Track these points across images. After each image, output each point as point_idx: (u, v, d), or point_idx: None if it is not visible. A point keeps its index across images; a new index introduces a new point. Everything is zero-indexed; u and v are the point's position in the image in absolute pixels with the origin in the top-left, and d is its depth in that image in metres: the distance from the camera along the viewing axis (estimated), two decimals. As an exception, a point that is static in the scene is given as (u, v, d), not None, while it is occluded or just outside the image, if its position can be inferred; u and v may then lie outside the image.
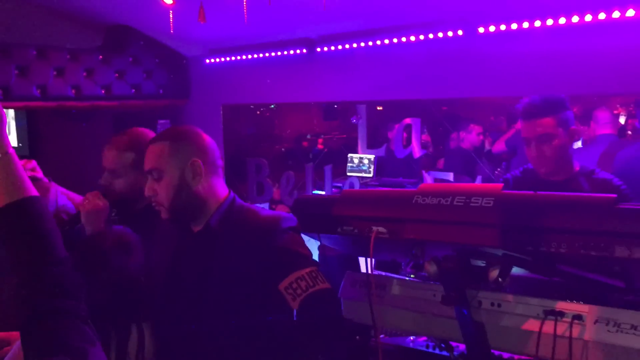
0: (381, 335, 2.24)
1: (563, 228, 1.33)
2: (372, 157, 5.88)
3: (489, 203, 1.44)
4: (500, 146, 5.13)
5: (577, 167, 2.52)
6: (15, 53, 4.05)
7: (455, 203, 1.50)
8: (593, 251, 1.28)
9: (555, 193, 1.41)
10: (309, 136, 8.16)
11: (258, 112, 7.99)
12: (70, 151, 5.59)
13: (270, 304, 1.82)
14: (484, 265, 1.53)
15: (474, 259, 1.53)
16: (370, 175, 6.04)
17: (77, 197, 2.79)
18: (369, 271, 1.70)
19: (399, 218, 1.61)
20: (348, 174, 6.23)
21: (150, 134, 2.56)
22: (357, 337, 2.39)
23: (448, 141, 5.55)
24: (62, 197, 2.75)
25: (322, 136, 8.57)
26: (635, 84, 2.91)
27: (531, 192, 1.42)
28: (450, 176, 3.44)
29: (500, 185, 1.48)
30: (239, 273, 1.81)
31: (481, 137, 5.48)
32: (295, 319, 1.82)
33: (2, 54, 3.98)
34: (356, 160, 6.24)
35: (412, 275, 1.88)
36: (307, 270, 1.77)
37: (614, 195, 1.29)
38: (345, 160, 6.13)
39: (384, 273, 2.61)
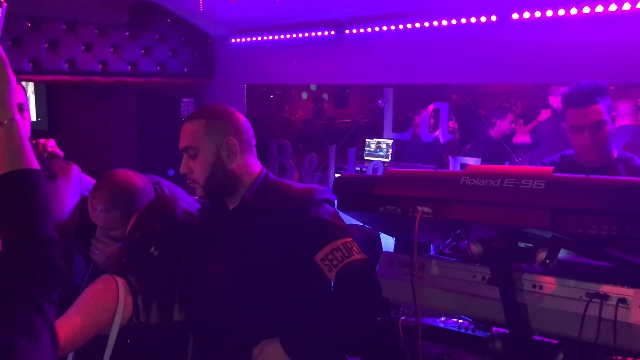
0: (402, 317, 2.28)
1: (615, 211, 1.35)
2: (390, 141, 5.87)
3: (540, 185, 1.46)
4: (523, 138, 5.09)
5: (615, 154, 2.54)
6: (45, 27, 4.07)
7: (505, 185, 1.51)
8: (646, 235, 1.29)
9: (607, 177, 1.42)
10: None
11: (271, 96, 7.97)
12: (91, 128, 5.62)
13: (307, 275, 1.85)
14: (530, 246, 1.55)
15: (521, 240, 1.55)
16: (388, 160, 6.04)
17: None
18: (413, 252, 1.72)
19: (446, 199, 1.62)
20: (365, 158, 6.24)
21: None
22: (378, 317, 2.43)
23: (476, 127, 5.47)
24: (87, 178, 2.72)
25: (335, 120, 8.59)
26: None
27: (582, 175, 1.43)
28: (478, 162, 3.44)
29: (551, 168, 1.49)
30: (276, 246, 1.84)
31: (513, 125, 5.38)
32: (332, 289, 1.85)
33: (33, 28, 4.00)
34: (373, 145, 6.24)
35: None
36: (343, 241, 1.79)
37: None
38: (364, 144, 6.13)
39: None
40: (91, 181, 2.67)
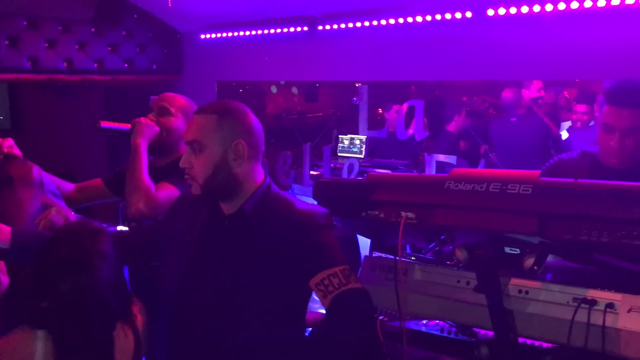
0: (380, 317, 2.24)
1: (605, 217, 1.32)
2: (363, 137, 5.85)
3: (527, 190, 1.43)
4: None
5: None
6: (4, 23, 3.91)
7: (491, 189, 1.48)
8: (637, 241, 1.27)
9: (595, 181, 1.39)
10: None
11: (241, 90, 7.86)
12: (57, 127, 5.45)
13: (298, 298, 1.79)
14: (517, 252, 1.52)
15: (507, 246, 1.52)
16: (362, 156, 6.02)
17: (65, 184, 2.61)
18: (396, 257, 1.68)
19: (429, 204, 1.58)
20: (339, 154, 6.20)
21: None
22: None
23: (443, 124, 5.53)
24: (49, 177, 2.59)
25: (305, 115, 8.54)
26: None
27: (571, 180, 1.40)
28: (453, 160, 3.43)
29: (538, 172, 1.46)
30: (270, 264, 1.76)
31: (469, 119, 5.45)
32: (325, 316, 1.78)
33: (-9, 24, 3.85)
34: (346, 142, 6.21)
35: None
36: (341, 268, 1.72)
37: (660, 186, 1.27)
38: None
39: (384, 255, 2.59)
40: (58, 182, 2.56)
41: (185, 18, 4.72)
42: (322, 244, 1.74)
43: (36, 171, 2.51)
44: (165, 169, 2.46)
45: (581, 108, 4.86)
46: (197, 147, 1.79)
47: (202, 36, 4.77)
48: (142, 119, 2.42)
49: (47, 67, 4.14)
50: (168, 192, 2.31)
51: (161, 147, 2.49)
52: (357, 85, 3.96)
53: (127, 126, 2.45)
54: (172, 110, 2.51)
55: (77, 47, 4.29)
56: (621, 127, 2.21)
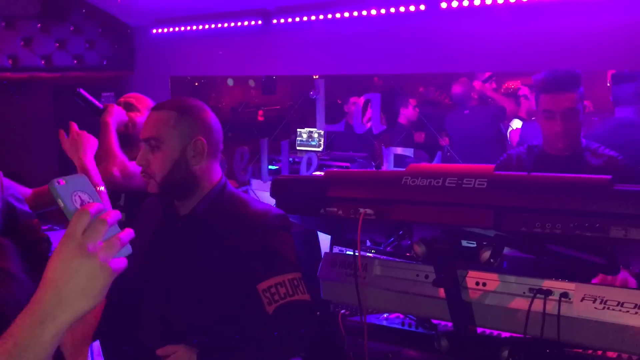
0: (342, 311, 2.24)
1: (558, 209, 1.34)
2: (321, 131, 5.84)
3: (482, 184, 1.44)
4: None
5: (583, 143, 2.50)
6: (-57, 19, 3.74)
7: (447, 184, 1.49)
8: (588, 232, 1.30)
9: (548, 174, 1.42)
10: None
11: (196, 84, 7.73)
12: (3, 126, 5.25)
13: (246, 300, 1.76)
14: (474, 245, 1.53)
15: (464, 239, 1.53)
16: (320, 149, 6.02)
17: (22, 189, 2.50)
18: (355, 252, 1.68)
19: (387, 199, 1.58)
20: (297, 148, 6.18)
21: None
22: (317, 312, 2.39)
23: (396, 117, 5.58)
24: (9, 181, 2.51)
25: (263, 108, 8.47)
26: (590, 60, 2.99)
27: (524, 173, 1.42)
28: (410, 152, 3.45)
29: (492, 166, 1.48)
30: (221, 265, 1.74)
31: (417, 110, 5.53)
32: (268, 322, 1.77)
33: None
34: (305, 135, 6.20)
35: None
36: (290, 276, 1.71)
37: (609, 177, 1.31)
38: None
39: (344, 250, 2.60)
40: (16, 186, 2.48)
41: (136, 12, 4.61)
42: (274, 248, 1.73)
43: None
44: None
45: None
46: (154, 144, 1.76)
47: (154, 31, 4.66)
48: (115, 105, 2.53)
49: (-9, 65, 3.99)
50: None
51: (126, 137, 2.55)
52: (314, 77, 3.94)
53: (100, 105, 2.57)
54: (140, 107, 2.62)
55: (22, 43, 4.13)
56: (560, 109, 2.37)
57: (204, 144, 1.76)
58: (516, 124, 5.15)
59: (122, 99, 2.70)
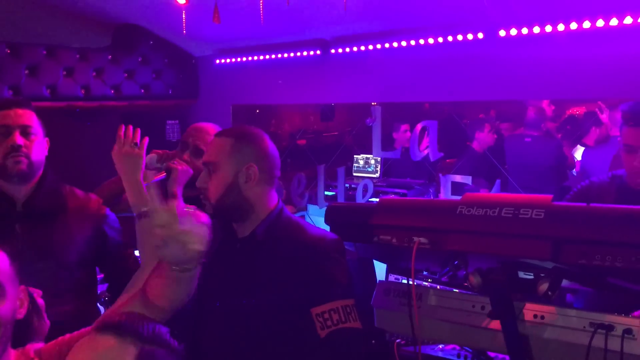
0: (397, 340, 2.22)
1: (619, 241, 1.31)
2: (378, 158, 5.84)
3: (540, 215, 1.42)
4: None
5: None
6: (25, 53, 4.00)
7: (503, 214, 1.47)
8: (652, 266, 1.25)
9: (607, 205, 1.38)
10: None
11: (257, 111, 7.92)
12: (75, 152, 5.53)
13: (299, 322, 1.78)
14: (531, 277, 1.50)
15: (522, 270, 1.50)
16: (377, 175, 6.01)
17: None
18: (410, 281, 1.67)
19: (442, 229, 1.58)
20: (354, 174, 6.20)
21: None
22: (373, 341, 2.37)
23: (460, 144, 5.47)
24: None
25: (323, 134, 8.55)
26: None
27: (583, 204, 1.39)
28: (469, 180, 3.41)
29: (550, 196, 1.46)
30: (277, 288, 1.77)
31: (494, 135, 5.36)
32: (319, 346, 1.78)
33: (12, 54, 3.93)
34: (362, 161, 6.21)
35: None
36: (344, 303, 1.73)
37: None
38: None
39: (400, 278, 2.57)
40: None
41: (199, 43, 4.78)
42: (329, 274, 1.75)
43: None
44: (197, 198, 2.46)
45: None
46: (212, 168, 1.85)
47: (217, 61, 4.83)
48: (177, 164, 2.30)
49: (65, 95, 4.21)
50: None
51: (192, 182, 2.39)
52: (372, 105, 3.97)
53: (162, 174, 2.33)
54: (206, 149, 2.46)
55: (94, 74, 4.36)
56: None
57: (256, 171, 1.83)
58: (579, 152, 5.01)
59: (191, 140, 2.60)
